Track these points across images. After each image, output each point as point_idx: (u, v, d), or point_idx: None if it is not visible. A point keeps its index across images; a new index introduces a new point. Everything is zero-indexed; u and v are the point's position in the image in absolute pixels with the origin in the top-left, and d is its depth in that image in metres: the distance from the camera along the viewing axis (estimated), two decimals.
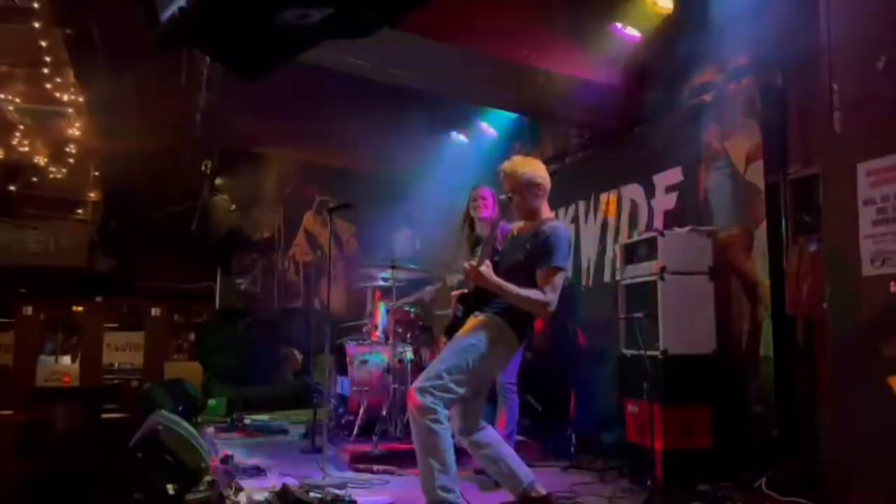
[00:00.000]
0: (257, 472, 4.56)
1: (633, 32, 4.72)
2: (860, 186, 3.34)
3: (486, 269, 3.26)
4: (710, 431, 4.14)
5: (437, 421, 3.10)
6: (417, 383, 3.21)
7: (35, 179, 12.59)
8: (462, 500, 3.15)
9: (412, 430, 3.22)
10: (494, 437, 3.42)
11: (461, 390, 3.19)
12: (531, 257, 3.32)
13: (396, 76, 5.50)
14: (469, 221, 4.58)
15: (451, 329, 3.45)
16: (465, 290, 3.49)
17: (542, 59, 4.95)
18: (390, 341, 5.57)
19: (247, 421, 6.82)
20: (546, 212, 3.50)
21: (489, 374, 3.44)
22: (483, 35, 4.76)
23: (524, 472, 3.36)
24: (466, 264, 3.33)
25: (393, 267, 5.53)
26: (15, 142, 11.50)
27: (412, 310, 5.81)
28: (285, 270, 10.31)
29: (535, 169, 3.48)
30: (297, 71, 4.05)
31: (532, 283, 3.26)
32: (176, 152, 8.95)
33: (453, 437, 3.24)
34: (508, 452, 3.40)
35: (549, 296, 3.24)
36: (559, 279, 3.29)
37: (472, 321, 3.36)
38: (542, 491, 3.35)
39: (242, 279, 10.41)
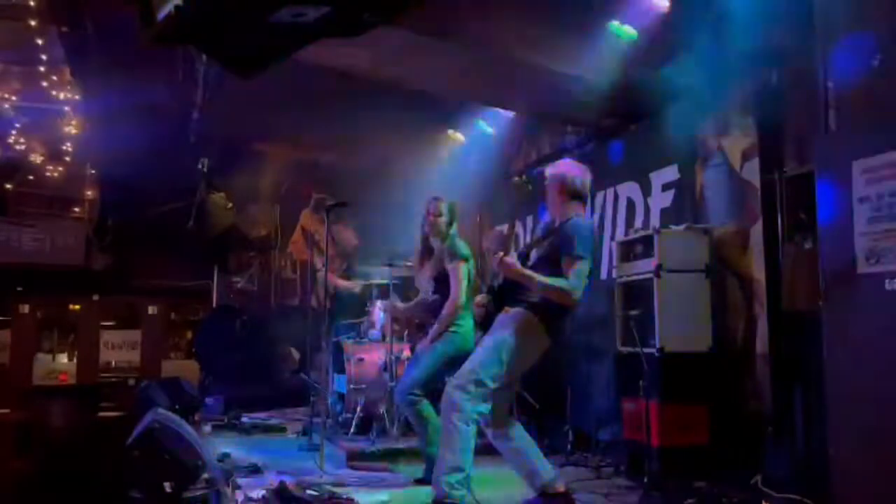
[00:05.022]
0: (254, 470, 4.56)
1: (629, 30, 4.72)
2: (855, 184, 3.35)
3: (511, 258, 3.34)
4: (706, 428, 4.16)
5: (465, 420, 3.22)
6: (454, 379, 3.34)
7: (31, 178, 12.55)
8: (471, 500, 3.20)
9: (441, 421, 3.34)
10: (521, 433, 3.51)
11: (494, 385, 3.29)
12: (554, 249, 3.43)
13: (394, 74, 5.50)
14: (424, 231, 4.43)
15: (485, 323, 3.54)
16: (493, 284, 3.58)
17: (539, 56, 4.95)
18: (387, 339, 5.57)
19: (244, 419, 6.82)
20: (574, 210, 3.60)
21: (521, 368, 3.49)
22: (479, 33, 4.76)
23: (546, 468, 3.45)
24: (496, 255, 3.41)
25: (390, 265, 5.53)
26: (11, 140, 11.47)
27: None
28: (282, 268, 10.31)
29: (565, 170, 3.65)
30: (294, 68, 4.04)
31: (557, 276, 3.36)
32: (172, 150, 8.93)
33: (482, 436, 3.32)
34: (532, 449, 3.49)
35: (571, 282, 3.33)
36: (581, 267, 3.36)
37: (503, 315, 3.46)
38: (562, 488, 3.40)
39: (239, 277, 10.40)
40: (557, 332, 3.50)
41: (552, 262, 3.41)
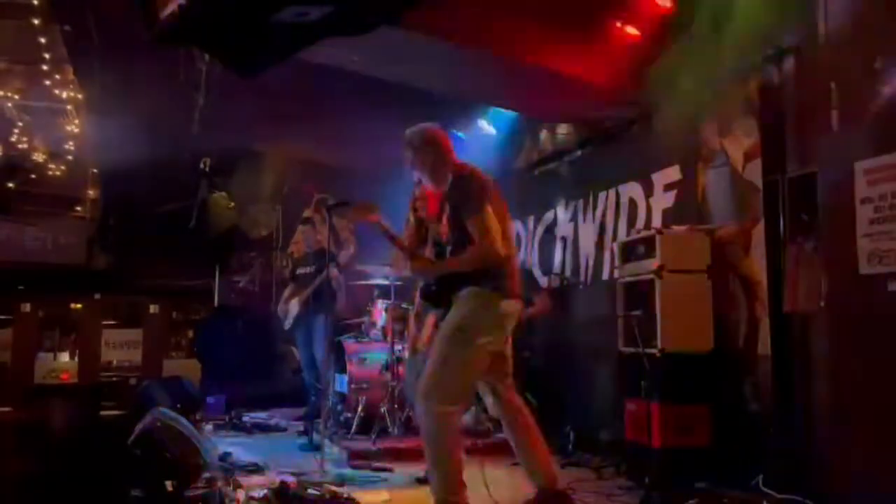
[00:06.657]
0: (255, 469, 4.57)
1: (632, 31, 4.72)
2: (858, 185, 3.35)
3: (419, 259, 3.26)
4: (707, 429, 4.15)
5: (444, 422, 3.09)
6: (420, 385, 3.19)
7: (33, 177, 12.57)
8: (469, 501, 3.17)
9: (421, 429, 3.22)
10: (527, 425, 3.40)
11: (464, 376, 3.18)
12: (456, 213, 3.26)
13: (395, 74, 5.50)
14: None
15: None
16: (424, 290, 3.48)
17: (541, 56, 4.95)
18: (388, 339, 5.58)
19: (245, 418, 6.82)
20: (455, 161, 3.46)
21: (497, 338, 3.27)
22: (482, 33, 4.76)
23: (548, 468, 3.38)
24: (406, 265, 3.32)
25: (391, 265, 5.54)
26: (14, 139, 11.48)
27: (411, 307, 5.82)
28: (284, 268, 10.31)
29: (420, 129, 3.51)
30: (296, 68, 4.05)
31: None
32: (175, 150, 8.93)
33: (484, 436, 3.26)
34: (538, 442, 3.38)
35: (484, 244, 3.15)
36: (484, 219, 3.18)
37: (455, 303, 3.30)
38: (560, 487, 3.37)
39: (241, 277, 10.40)
40: (506, 290, 3.24)
41: (463, 229, 3.21)
